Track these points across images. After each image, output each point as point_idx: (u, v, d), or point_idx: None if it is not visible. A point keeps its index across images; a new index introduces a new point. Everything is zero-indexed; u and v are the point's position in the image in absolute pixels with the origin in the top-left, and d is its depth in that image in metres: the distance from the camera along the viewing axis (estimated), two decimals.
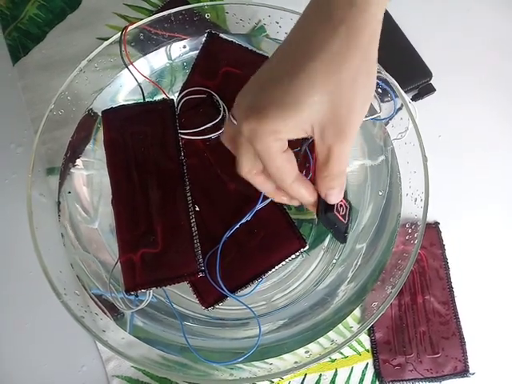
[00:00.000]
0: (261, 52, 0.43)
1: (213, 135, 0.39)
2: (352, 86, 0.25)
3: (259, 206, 0.36)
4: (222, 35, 0.43)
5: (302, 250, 0.37)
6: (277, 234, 0.37)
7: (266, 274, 0.36)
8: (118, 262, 0.36)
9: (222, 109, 0.40)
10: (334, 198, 0.30)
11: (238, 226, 0.36)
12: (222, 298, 0.36)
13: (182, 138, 0.39)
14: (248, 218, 0.36)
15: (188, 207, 0.36)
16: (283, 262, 0.37)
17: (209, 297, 0.36)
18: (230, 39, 0.43)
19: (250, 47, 0.43)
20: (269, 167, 0.27)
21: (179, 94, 0.41)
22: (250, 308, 0.37)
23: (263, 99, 0.25)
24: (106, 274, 0.40)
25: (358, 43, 0.25)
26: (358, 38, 0.25)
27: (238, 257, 0.37)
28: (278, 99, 0.25)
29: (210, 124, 0.39)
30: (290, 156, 0.28)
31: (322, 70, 0.24)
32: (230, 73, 0.41)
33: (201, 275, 0.35)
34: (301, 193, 0.29)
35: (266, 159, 0.27)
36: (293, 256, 0.37)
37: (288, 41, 0.27)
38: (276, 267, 0.36)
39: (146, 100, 0.42)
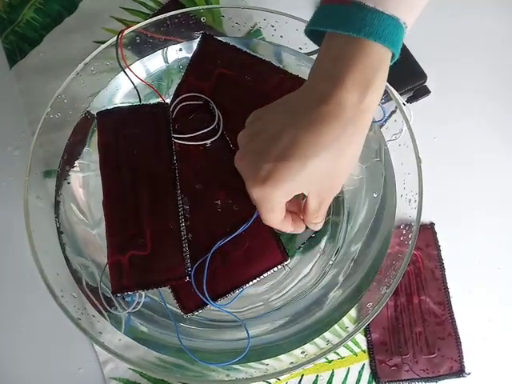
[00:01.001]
0: (255, 54, 0.43)
1: (207, 142, 0.39)
2: (348, 162, 0.31)
3: (253, 219, 0.36)
4: (216, 37, 0.43)
5: (284, 263, 0.37)
6: (261, 246, 0.37)
7: (247, 285, 0.37)
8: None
9: (216, 116, 0.40)
10: (319, 226, 0.36)
11: (230, 238, 0.36)
12: (202, 305, 0.36)
13: (176, 143, 0.39)
14: (242, 231, 0.36)
15: (178, 211, 0.36)
16: (265, 274, 0.37)
17: (189, 303, 0.36)
18: (224, 41, 0.43)
19: (244, 49, 0.43)
20: (264, 218, 0.33)
21: (174, 95, 0.41)
22: (233, 314, 0.37)
23: (278, 172, 0.30)
24: (104, 277, 0.40)
25: (360, 136, 0.30)
26: (362, 132, 0.30)
27: (222, 266, 0.37)
28: (292, 176, 0.30)
29: (205, 130, 0.39)
30: (284, 210, 0.33)
31: (330, 158, 0.30)
32: (225, 74, 0.42)
33: (188, 279, 0.35)
34: (284, 228, 0.35)
35: (265, 213, 0.32)
36: (274, 269, 0.37)
37: (300, 124, 0.30)
38: (257, 279, 0.37)
39: (142, 103, 0.42)
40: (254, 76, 0.42)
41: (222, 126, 0.40)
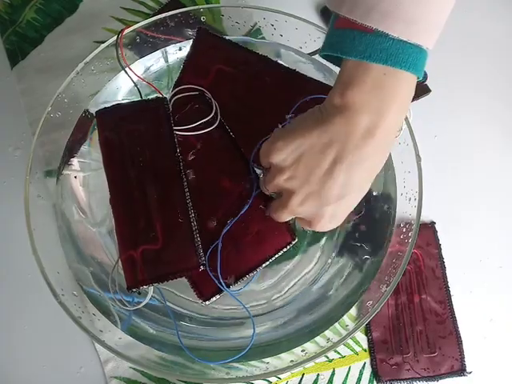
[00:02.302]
0: (252, 49, 0.43)
1: (205, 131, 0.39)
2: None
3: (255, 194, 0.38)
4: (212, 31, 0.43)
5: (292, 242, 0.38)
6: (269, 229, 0.38)
7: (260, 268, 0.37)
8: (119, 261, 0.36)
9: (214, 106, 0.40)
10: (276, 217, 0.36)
11: (238, 217, 0.37)
12: (219, 291, 0.37)
13: (177, 135, 0.39)
14: (247, 207, 0.37)
15: (186, 202, 0.37)
16: (275, 256, 0.38)
17: (206, 290, 0.37)
18: (220, 35, 0.43)
19: (240, 43, 0.43)
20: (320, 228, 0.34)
21: (171, 91, 0.41)
22: (243, 304, 0.37)
23: (341, 210, 0.33)
24: (103, 275, 0.40)
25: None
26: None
27: (233, 251, 0.37)
28: (352, 207, 0.33)
29: (204, 120, 0.39)
30: None
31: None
32: (223, 71, 0.42)
33: (202, 269, 0.35)
34: None
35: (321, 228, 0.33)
36: (284, 249, 0.38)
37: (351, 162, 0.30)
38: (269, 261, 0.37)
39: (140, 99, 0.42)
40: (251, 71, 0.42)
41: (219, 114, 0.40)
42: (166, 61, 0.46)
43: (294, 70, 0.42)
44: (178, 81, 0.42)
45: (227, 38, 0.43)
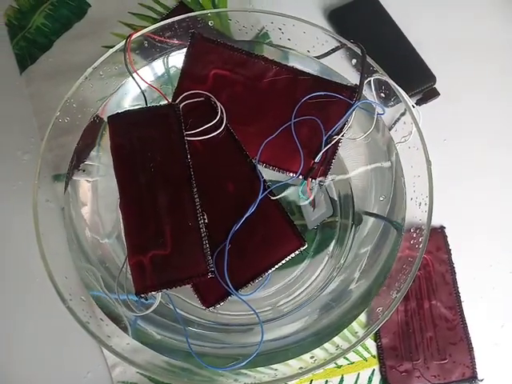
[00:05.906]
0: (247, 50, 0.43)
1: (212, 134, 0.39)
2: None
3: (261, 196, 0.37)
4: (205, 35, 0.42)
5: (301, 248, 0.37)
6: (275, 234, 0.37)
7: (266, 273, 0.36)
8: (128, 265, 0.36)
9: (219, 109, 0.40)
10: None
11: (244, 218, 0.36)
12: (223, 297, 0.36)
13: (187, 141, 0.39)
14: (252, 209, 0.36)
15: (196, 209, 0.36)
16: (283, 261, 0.37)
17: (210, 296, 0.36)
18: (213, 38, 0.42)
19: (235, 45, 0.42)
20: None
21: (172, 99, 0.41)
22: (253, 309, 0.37)
23: None
24: (111, 280, 0.40)
25: None
26: None
27: (238, 257, 0.37)
28: None
29: (211, 123, 0.39)
30: None
31: None
32: (220, 75, 0.41)
33: (210, 276, 0.35)
34: None
35: None
36: (292, 255, 0.37)
37: None
38: (276, 266, 0.37)
39: (152, 105, 0.42)
40: (250, 71, 0.41)
41: (225, 117, 0.40)
42: (174, 65, 0.46)
43: (292, 66, 0.42)
44: (176, 89, 0.42)
45: (234, 42, 0.43)
